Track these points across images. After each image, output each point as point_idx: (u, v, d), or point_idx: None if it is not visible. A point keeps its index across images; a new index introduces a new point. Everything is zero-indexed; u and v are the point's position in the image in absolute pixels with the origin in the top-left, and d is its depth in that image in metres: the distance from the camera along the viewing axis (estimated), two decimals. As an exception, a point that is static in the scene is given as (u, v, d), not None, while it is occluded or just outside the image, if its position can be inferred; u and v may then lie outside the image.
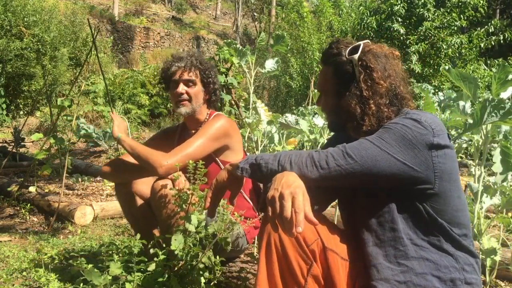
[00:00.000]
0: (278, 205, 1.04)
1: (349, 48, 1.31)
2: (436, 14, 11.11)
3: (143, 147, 1.94)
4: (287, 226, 1.02)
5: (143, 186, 2.03)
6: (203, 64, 2.07)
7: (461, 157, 6.02)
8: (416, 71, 10.70)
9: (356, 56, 1.28)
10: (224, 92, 3.31)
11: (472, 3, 11.09)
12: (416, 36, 11.07)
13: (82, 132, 6.51)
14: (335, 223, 2.35)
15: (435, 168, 1.16)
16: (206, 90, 2.09)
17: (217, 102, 2.18)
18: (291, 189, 1.05)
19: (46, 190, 4.03)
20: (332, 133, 2.74)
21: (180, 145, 1.92)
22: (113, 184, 2.74)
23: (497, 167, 1.92)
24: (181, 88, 2.02)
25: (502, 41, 11.04)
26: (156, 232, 2.03)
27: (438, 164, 1.16)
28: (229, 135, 2.01)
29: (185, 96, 2.03)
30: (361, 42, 1.31)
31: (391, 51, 1.35)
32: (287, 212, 1.02)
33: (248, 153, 3.18)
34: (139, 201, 2.06)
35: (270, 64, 3.09)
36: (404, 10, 11.09)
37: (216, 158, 2.02)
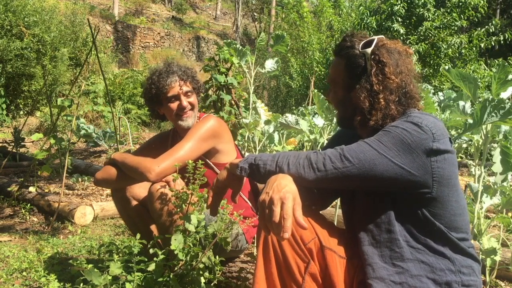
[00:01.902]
0: (268, 209, 1.05)
1: (363, 42, 1.30)
2: (436, 14, 11.11)
3: (132, 157, 1.93)
4: (276, 230, 1.04)
5: (140, 189, 2.03)
6: (189, 75, 2.06)
7: (461, 157, 6.02)
8: (416, 71, 10.68)
9: (369, 50, 1.27)
10: (224, 92, 3.31)
11: (472, 3, 11.08)
12: (416, 36, 11.07)
13: (82, 132, 6.52)
14: (335, 223, 2.35)
15: (433, 173, 1.15)
16: (198, 96, 2.11)
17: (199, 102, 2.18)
18: (281, 194, 1.05)
19: (46, 190, 4.03)
20: (331, 133, 2.74)
21: (170, 149, 1.91)
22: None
23: (497, 167, 1.92)
24: (185, 101, 2.02)
25: (502, 42, 11.03)
26: (154, 228, 2.02)
27: (437, 169, 1.15)
28: (219, 136, 1.99)
29: (189, 106, 2.03)
30: (375, 37, 1.30)
31: (405, 48, 1.34)
32: (275, 217, 1.03)
33: (247, 153, 3.18)
34: (135, 203, 2.06)
35: (270, 64, 3.09)
36: (404, 10, 11.09)
37: (207, 160, 2.01)
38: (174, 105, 2.02)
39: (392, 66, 1.26)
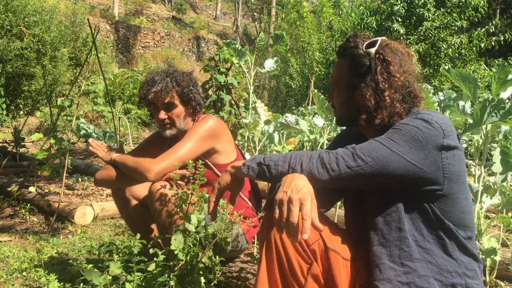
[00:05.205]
0: (286, 209, 1.04)
1: (367, 42, 1.31)
2: (436, 14, 11.11)
3: (131, 158, 1.93)
4: (292, 231, 1.03)
5: (140, 188, 2.03)
6: (180, 83, 1.99)
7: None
8: (417, 72, 10.68)
9: (373, 50, 1.28)
10: (224, 92, 3.31)
11: (472, 3, 11.08)
12: (416, 36, 11.07)
13: (82, 132, 6.52)
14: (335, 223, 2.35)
15: (444, 169, 1.15)
16: (188, 107, 2.04)
17: (202, 108, 2.12)
18: (300, 194, 1.05)
19: (46, 190, 4.03)
20: (331, 133, 2.74)
21: (169, 149, 1.91)
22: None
23: (497, 167, 1.92)
24: (162, 114, 1.99)
25: (502, 42, 11.03)
26: (155, 227, 2.02)
27: (448, 165, 1.16)
28: (217, 136, 1.98)
29: (167, 121, 2.00)
30: (379, 38, 1.32)
31: (407, 50, 1.35)
32: (294, 218, 1.02)
33: (247, 153, 3.18)
34: (135, 203, 2.06)
35: (269, 64, 3.09)
36: (404, 10, 11.09)
37: (206, 160, 2.00)
38: (155, 114, 2.02)
39: (396, 65, 1.28)
